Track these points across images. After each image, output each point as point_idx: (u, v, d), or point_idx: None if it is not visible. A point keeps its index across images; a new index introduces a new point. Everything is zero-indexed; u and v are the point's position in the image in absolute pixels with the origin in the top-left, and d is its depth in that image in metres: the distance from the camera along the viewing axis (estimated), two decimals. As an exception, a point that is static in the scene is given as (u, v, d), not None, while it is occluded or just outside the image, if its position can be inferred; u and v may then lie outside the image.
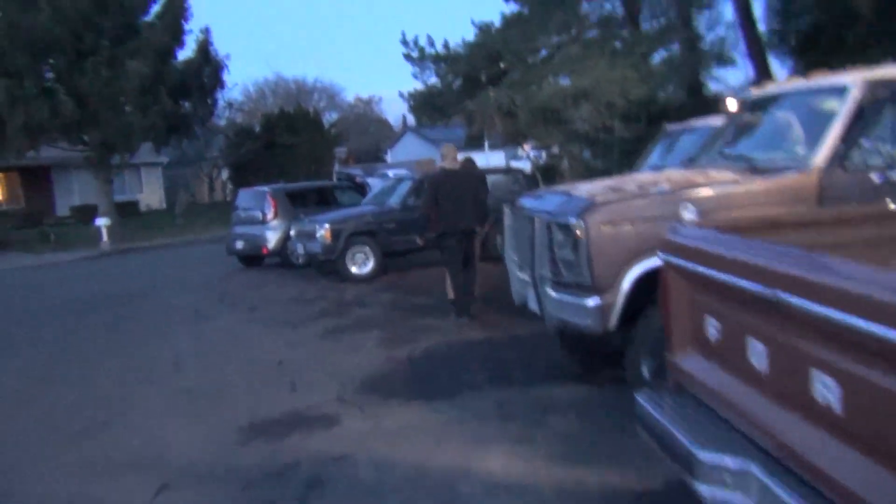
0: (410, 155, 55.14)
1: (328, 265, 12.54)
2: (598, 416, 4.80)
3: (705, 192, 4.33)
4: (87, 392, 6.52)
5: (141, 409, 5.91)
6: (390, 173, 41.44)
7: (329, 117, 49.33)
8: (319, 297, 10.83)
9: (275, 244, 14.21)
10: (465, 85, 17.67)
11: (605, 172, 15.62)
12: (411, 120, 68.65)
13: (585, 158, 16.33)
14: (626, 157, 15.67)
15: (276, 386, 6.18)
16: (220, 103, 33.24)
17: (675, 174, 4.99)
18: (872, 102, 4.45)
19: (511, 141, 19.87)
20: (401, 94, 18.46)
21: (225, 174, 37.34)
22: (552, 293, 4.64)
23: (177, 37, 26.93)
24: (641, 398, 2.78)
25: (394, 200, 12.80)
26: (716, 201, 4.25)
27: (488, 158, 37.21)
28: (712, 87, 17.33)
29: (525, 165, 24.76)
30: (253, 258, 15.08)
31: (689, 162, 5.69)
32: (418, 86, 18.60)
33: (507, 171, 15.52)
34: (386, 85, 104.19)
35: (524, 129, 15.50)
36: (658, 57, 16.47)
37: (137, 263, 18.70)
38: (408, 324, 8.31)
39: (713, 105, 17.13)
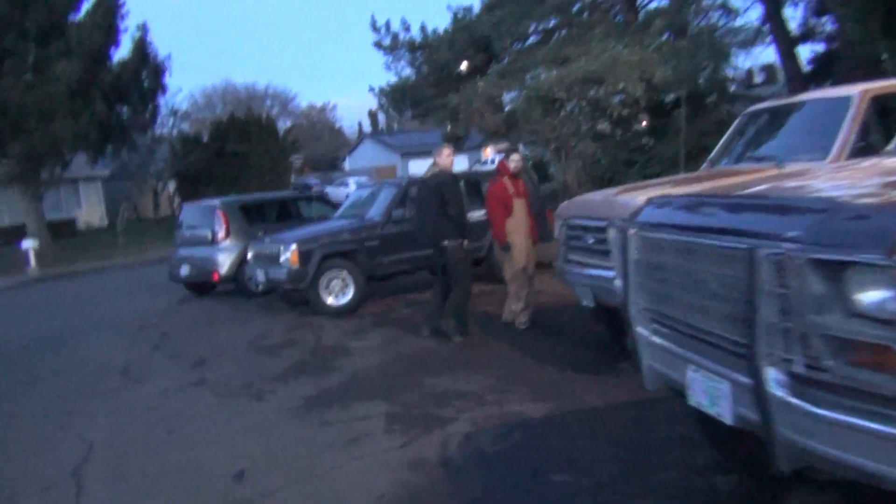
0: (369, 162, 52.61)
1: (296, 294, 10.07)
2: None
3: None
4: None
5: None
6: (351, 181, 39.16)
7: (282, 124, 46.45)
8: (289, 340, 8.32)
9: (228, 269, 11.62)
10: (445, 76, 15.31)
11: (614, 174, 13.44)
12: (367, 127, 66.42)
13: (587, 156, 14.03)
14: (641, 152, 13.51)
15: (235, 533, 3.71)
16: (163, 110, 30.33)
17: None
18: None
19: (496, 139, 17.54)
20: (371, 89, 16.04)
21: (172, 186, 34.27)
22: (800, 402, 2.28)
23: (111, 35, 24.01)
24: None
25: (375, 212, 10.32)
26: None
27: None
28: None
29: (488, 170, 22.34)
30: (201, 285, 12.48)
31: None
32: (391, 79, 16.24)
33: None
34: (339, 92, 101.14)
35: (522, 125, 13.18)
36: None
37: (67, 293, 15.87)
38: (421, 387, 5.89)
39: (726, 92, 15.11)
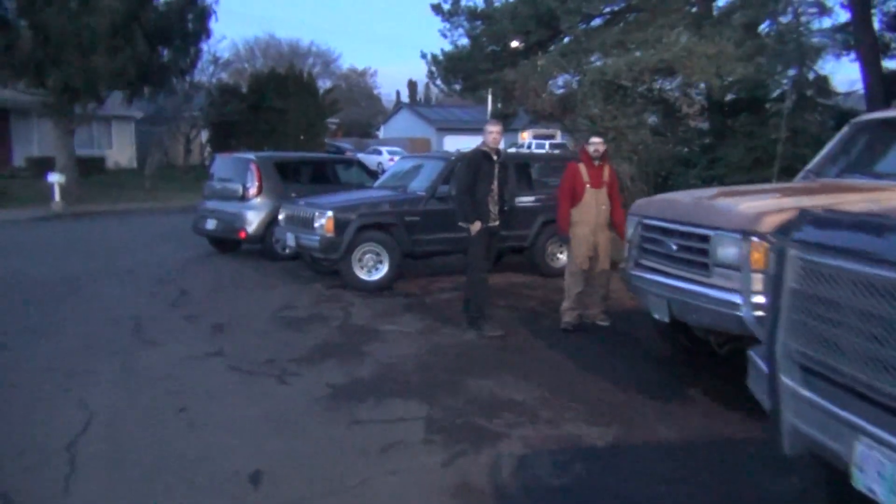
0: (404, 132, 51.87)
1: (324, 262, 9.44)
2: None
3: None
4: None
5: None
6: (384, 151, 38.46)
7: (322, 84, 45.70)
8: (315, 314, 7.70)
9: (256, 228, 11.02)
10: (502, 49, 14.52)
11: (669, 173, 12.63)
12: (404, 97, 65.42)
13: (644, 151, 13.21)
14: (702, 151, 12.67)
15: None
16: (205, 56, 29.60)
17: None
18: None
19: (548, 122, 16.73)
20: (423, 55, 15.22)
21: (205, 135, 33.70)
22: None
23: (159, -28, 23.38)
24: None
25: (419, 186, 9.63)
26: None
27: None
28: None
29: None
30: (226, 242, 11.89)
31: None
32: (445, 47, 15.45)
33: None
34: (381, 59, 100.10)
35: (580, 109, 12.38)
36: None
37: (88, 232, 15.38)
38: (463, 389, 5.24)
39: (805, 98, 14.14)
